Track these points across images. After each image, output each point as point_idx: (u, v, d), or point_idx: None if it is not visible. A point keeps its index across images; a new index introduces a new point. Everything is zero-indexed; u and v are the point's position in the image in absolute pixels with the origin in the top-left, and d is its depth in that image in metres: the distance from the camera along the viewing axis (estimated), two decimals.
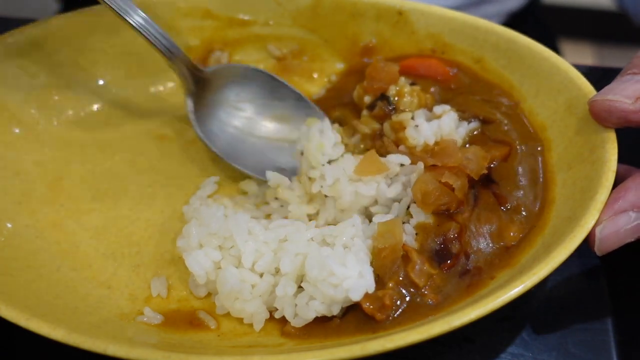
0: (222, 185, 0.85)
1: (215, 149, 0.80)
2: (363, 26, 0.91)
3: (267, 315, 0.70)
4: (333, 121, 0.85)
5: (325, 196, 0.77)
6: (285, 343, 0.67)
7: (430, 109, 0.81)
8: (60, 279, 0.73)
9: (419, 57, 0.88)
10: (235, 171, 0.86)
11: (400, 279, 0.67)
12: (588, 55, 2.76)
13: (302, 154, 0.80)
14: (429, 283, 0.67)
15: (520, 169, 0.75)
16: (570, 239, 0.62)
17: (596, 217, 0.64)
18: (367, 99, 0.83)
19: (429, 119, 0.79)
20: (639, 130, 0.68)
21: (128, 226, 0.80)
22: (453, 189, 0.71)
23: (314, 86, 0.94)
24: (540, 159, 0.76)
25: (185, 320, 0.70)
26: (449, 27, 0.86)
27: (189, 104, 0.78)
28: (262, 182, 0.83)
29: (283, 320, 0.69)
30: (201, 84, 0.79)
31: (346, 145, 0.81)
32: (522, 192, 0.73)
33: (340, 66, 0.95)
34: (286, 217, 0.78)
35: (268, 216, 0.80)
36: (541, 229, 0.69)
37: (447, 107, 0.79)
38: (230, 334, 0.69)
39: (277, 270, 0.70)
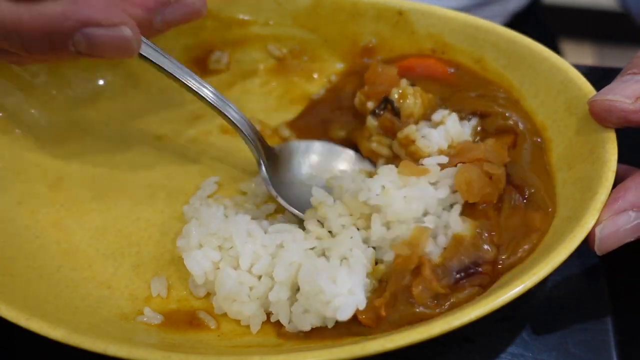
0: (222, 185, 0.85)
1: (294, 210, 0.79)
2: (363, 26, 0.91)
3: (265, 318, 0.70)
4: (342, 144, 0.85)
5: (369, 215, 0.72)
6: (284, 343, 0.67)
7: (433, 109, 0.80)
8: (60, 279, 0.73)
9: (417, 57, 0.88)
10: (236, 171, 0.86)
11: (402, 289, 0.66)
12: (588, 55, 2.76)
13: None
14: (429, 300, 0.65)
15: (527, 153, 0.75)
16: (570, 239, 0.62)
17: (596, 217, 0.64)
18: (370, 105, 0.83)
19: (432, 127, 0.79)
20: (639, 130, 0.68)
21: (128, 226, 0.80)
22: (492, 178, 0.70)
23: (314, 86, 0.94)
24: (541, 143, 0.76)
25: (185, 320, 0.70)
26: (449, 27, 0.86)
27: (264, 172, 0.79)
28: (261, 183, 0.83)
29: (279, 322, 0.69)
30: (272, 159, 0.81)
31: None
32: (534, 176, 0.73)
33: (340, 66, 0.95)
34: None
35: (269, 216, 0.80)
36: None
37: (445, 112, 0.79)
38: (230, 334, 0.69)
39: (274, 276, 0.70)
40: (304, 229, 0.74)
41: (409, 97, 0.80)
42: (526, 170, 0.73)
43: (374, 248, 0.71)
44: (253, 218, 0.76)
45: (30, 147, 0.86)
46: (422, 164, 0.74)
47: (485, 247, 0.68)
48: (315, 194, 0.75)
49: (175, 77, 0.76)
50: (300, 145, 0.85)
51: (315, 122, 0.91)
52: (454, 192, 0.71)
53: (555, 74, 0.78)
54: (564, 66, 0.77)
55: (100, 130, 0.91)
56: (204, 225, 0.73)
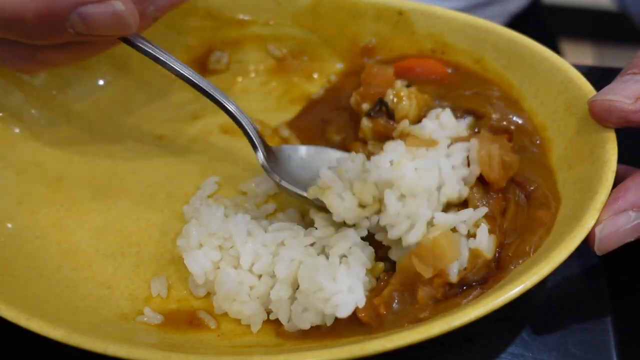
0: (222, 185, 0.85)
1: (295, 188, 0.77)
2: (363, 26, 0.91)
3: (265, 317, 0.70)
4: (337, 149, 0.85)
5: (379, 201, 0.69)
6: (284, 343, 0.67)
7: (429, 110, 0.80)
8: (60, 279, 0.73)
9: (416, 57, 0.88)
10: (236, 171, 0.86)
11: (406, 289, 0.66)
12: (588, 55, 2.76)
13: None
14: (430, 302, 0.65)
15: (524, 150, 0.75)
16: (570, 239, 0.62)
17: (596, 217, 0.64)
18: (366, 106, 0.83)
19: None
20: (639, 130, 0.68)
21: (128, 226, 0.80)
22: (505, 162, 0.70)
23: (314, 86, 0.94)
24: (539, 141, 0.76)
25: (185, 320, 0.70)
26: (449, 27, 0.86)
27: (261, 157, 0.78)
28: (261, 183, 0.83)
29: (279, 321, 0.69)
30: (270, 155, 0.80)
31: None
32: (534, 172, 0.73)
33: (340, 66, 0.95)
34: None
35: (268, 216, 0.80)
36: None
37: (438, 110, 0.79)
38: (230, 334, 0.69)
39: (275, 274, 0.70)
40: (304, 227, 0.74)
41: (403, 99, 0.80)
42: (525, 167, 0.73)
43: (385, 232, 0.69)
44: (253, 218, 0.76)
45: (30, 147, 0.86)
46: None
47: (491, 266, 0.67)
48: (323, 176, 0.72)
49: (172, 67, 0.76)
50: (296, 148, 0.84)
51: (314, 122, 0.91)
52: (466, 165, 0.70)
53: (555, 74, 0.78)
54: (564, 66, 0.77)
55: (100, 130, 0.91)
56: (204, 225, 0.73)
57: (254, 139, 0.78)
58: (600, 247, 0.64)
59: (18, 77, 0.88)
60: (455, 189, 0.69)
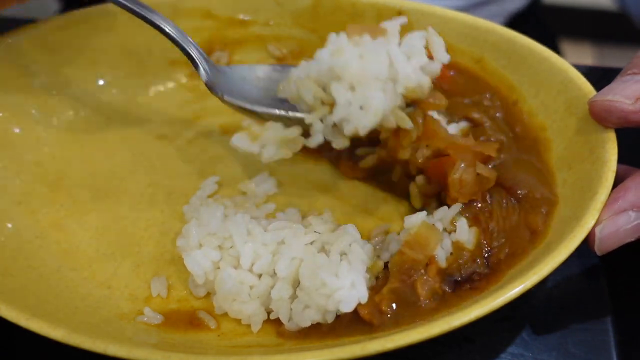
0: (222, 185, 0.85)
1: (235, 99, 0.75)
2: None
3: (265, 317, 0.70)
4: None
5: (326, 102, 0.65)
6: (284, 343, 0.67)
7: None
8: (60, 279, 0.73)
9: None
10: (236, 171, 0.86)
11: (405, 284, 0.67)
12: (588, 55, 2.76)
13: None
14: (431, 296, 0.66)
15: (518, 155, 0.76)
16: (570, 239, 0.62)
17: (596, 217, 0.64)
18: None
19: None
20: (639, 130, 0.68)
21: (128, 226, 0.80)
22: (482, 179, 0.70)
23: None
24: (535, 157, 0.76)
25: (185, 320, 0.70)
26: (448, 27, 0.86)
27: (202, 73, 0.76)
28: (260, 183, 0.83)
29: (279, 321, 0.69)
30: (218, 75, 0.78)
31: None
32: (526, 178, 0.73)
33: None
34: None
35: (268, 216, 0.80)
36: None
37: (432, 113, 0.79)
38: (230, 334, 0.69)
39: (275, 272, 0.70)
40: (304, 226, 0.74)
41: None
42: (517, 172, 0.74)
43: (343, 135, 0.66)
44: (253, 218, 0.76)
45: (30, 147, 0.86)
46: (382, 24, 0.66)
47: (481, 261, 0.68)
48: (293, 71, 0.68)
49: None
50: (252, 68, 0.81)
51: None
52: (425, 53, 0.66)
53: (555, 74, 0.78)
54: (564, 66, 0.77)
55: (100, 130, 0.91)
56: (204, 225, 0.73)
57: (194, 57, 0.77)
58: (600, 247, 0.64)
59: (18, 77, 0.88)
60: (412, 78, 0.65)
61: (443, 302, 0.65)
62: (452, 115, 0.80)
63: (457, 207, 0.71)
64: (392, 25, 0.67)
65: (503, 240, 0.69)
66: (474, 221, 0.70)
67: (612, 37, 2.72)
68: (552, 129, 0.76)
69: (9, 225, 0.77)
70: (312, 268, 0.66)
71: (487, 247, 0.69)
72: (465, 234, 0.69)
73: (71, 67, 0.91)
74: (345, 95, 0.64)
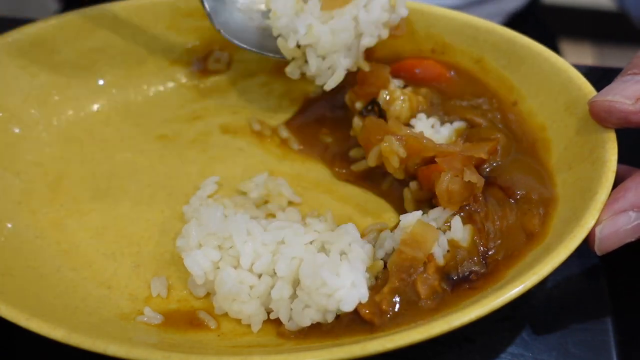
0: (222, 185, 0.85)
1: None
2: None
3: (265, 317, 0.70)
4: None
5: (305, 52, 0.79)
6: (284, 343, 0.67)
7: (421, 110, 0.81)
8: (60, 279, 0.73)
9: (416, 57, 0.88)
10: (236, 171, 0.86)
11: (405, 283, 0.67)
12: (588, 55, 2.76)
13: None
14: (431, 295, 0.66)
15: (516, 156, 0.75)
16: (570, 239, 0.62)
17: (596, 217, 0.64)
18: (359, 105, 0.83)
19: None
20: (639, 130, 0.68)
21: (128, 226, 0.80)
22: (471, 185, 0.70)
23: (314, 86, 0.94)
24: (534, 157, 0.76)
25: (185, 320, 0.70)
26: (449, 27, 0.86)
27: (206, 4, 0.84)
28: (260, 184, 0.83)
29: (279, 321, 0.69)
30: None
31: None
32: (524, 179, 0.73)
33: None
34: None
35: (269, 216, 0.80)
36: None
37: (422, 115, 0.81)
38: (230, 334, 0.69)
39: (275, 272, 0.70)
40: (304, 225, 0.74)
41: (396, 100, 0.80)
42: (515, 173, 0.74)
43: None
44: (252, 217, 0.76)
45: (30, 147, 0.86)
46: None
47: (478, 259, 0.68)
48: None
49: None
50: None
51: (309, 121, 0.92)
52: (388, 9, 0.78)
53: (555, 74, 0.78)
54: (564, 66, 0.77)
55: (100, 130, 0.91)
56: (204, 225, 0.73)
57: None
58: (600, 247, 0.64)
59: (18, 77, 0.88)
60: (374, 36, 0.81)
61: (443, 302, 0.65)
62: (449, 115, 0.80)
63: (458, 219, 0.70)
64: None
65: (499, 240, 0.69)
66: (468, 220, 0.70)
67: (612, 37, 2.72)
68: (552, 129, 0.76)
69: (9, 225, 0.77)
70: (313, 267, 0.66)
71: (482, 247, 0.69)
72: (460, 232, 0.69)
73: (71, 67, 0.91)
74: (317, 61, 0.81)
